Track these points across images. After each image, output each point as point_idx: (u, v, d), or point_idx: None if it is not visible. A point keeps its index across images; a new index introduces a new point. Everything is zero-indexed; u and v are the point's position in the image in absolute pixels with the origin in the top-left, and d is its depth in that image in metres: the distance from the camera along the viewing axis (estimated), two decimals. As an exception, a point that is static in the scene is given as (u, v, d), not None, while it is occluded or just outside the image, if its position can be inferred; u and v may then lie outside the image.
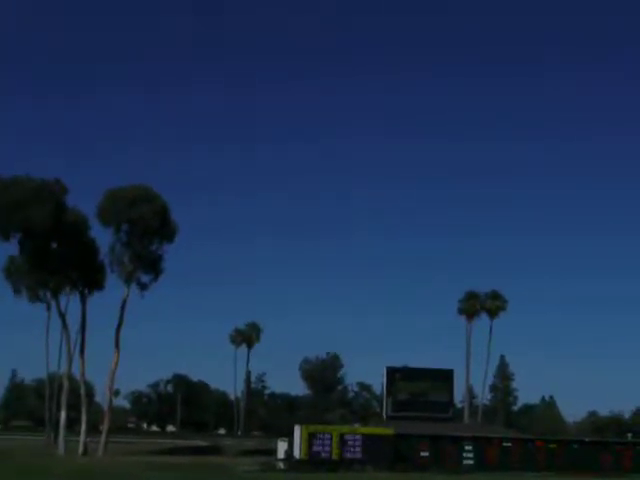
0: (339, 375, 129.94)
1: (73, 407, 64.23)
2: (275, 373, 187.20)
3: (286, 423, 74.40)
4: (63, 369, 66.73)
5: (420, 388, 58.37)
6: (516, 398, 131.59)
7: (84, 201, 61.09)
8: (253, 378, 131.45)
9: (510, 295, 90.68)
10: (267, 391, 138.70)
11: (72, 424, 63.40)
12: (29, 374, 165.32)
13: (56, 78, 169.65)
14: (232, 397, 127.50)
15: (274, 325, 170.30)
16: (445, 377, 59.69)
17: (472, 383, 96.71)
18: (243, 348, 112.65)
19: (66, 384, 61.38)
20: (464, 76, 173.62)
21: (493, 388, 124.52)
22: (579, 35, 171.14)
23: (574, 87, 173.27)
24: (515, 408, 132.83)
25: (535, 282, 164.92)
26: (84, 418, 60.52)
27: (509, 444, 50.44)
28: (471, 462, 48.85)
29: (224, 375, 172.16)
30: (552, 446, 50.98)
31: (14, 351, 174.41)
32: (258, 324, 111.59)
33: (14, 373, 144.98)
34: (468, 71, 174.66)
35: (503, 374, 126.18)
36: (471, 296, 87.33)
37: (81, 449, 58.08)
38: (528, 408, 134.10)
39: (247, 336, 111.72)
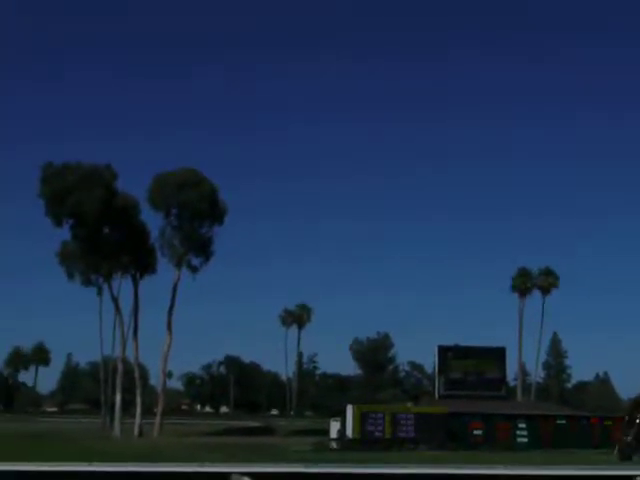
0: (390, 355, 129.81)
1: (127, 390, 65.02)
2: (326, 353, 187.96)
3: (338, 403, 74.63)
4: (117, 352, 67.64)
5: (472, 366, 58.10)
6: (569, 375, 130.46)
7: (134, 186, 61.74)
8: (304, 359, 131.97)
9: (562, 272, 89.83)
10: (318, 371, 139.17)
11: (127, 406, 64.18)
12: (83, 358, 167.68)
13: (102, 63, 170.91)
14: (284, 378, 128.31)
15: (325, 305, 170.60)
16: (497, 355, 59.34)
17: (525, 361, 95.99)
18: (294, 329, 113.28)
19: (120, 367, 62.14)
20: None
21: (546, 366, 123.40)
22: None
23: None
24: (569, 385, 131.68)
25: (587, 258, 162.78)
26: (139, 400, 61.28)
27: (563, 421, 50.14)
28: (525, 440, 48.62)
29: (276, 356, 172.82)
30: (607, 423, 50.50)
31: (69, 335, 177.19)
32: (308, 305, 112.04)
33: (69, 357, 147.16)
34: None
35: (556, 351, 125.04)
36: (523, 273, 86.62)
37: (137, 431, 58.86)
38: (582, 385, 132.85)
39: (297, 317, 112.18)
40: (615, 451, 9.82)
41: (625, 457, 9.68)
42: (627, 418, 9.41)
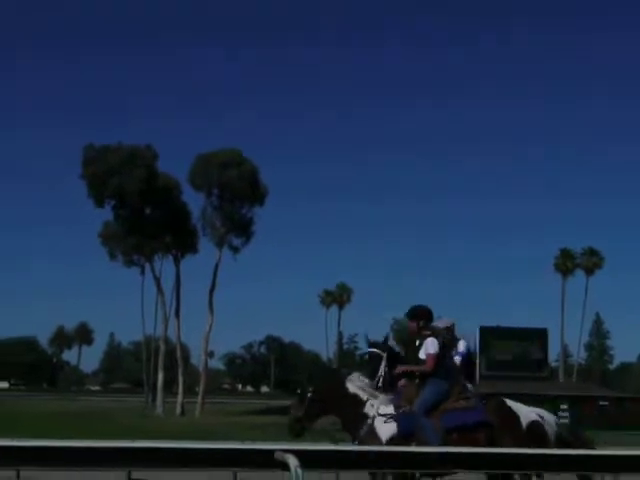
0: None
1: (169, 369, 65.60)
2: (367, 333, 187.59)
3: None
4: (159, 332, 68.23)
5: (514, 347, 57.75)
6: (612, 356, 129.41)
7: (175, 166, 62.01)
8: (345, 339, 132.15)
9: (606, 252, 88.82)
10: (359, 352, 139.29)
11: (168, 385, 64.82)
12: (126, 337, 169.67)
13: (146, 39, 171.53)
14: (325, 358, 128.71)
15: (365, 286, 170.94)
16: (539, 336, 58.87)
17: (567, 342, 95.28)
18: (335, 309, 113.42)
19: (162, 347, 62.68)
20: None
21: (588, 347, 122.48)
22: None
23: None
24: (611, 367, 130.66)
25: (632, 238, 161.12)
26: (181, 380, 61.78)
27: (606, 403, 49.75)
28: (566, 421, 48.29)
29: (316, 336, 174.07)
30: (650, 404, 50.12)
31: (111, 315, 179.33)
32: (348, 285, 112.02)
33: (112, 337, 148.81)
34: None
35: (598, 332, 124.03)
36: (566, 254, 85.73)
37: (179, 410, 59.38)
38: (625, 367, 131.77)
39: (337, 297, 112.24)
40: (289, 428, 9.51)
41: (296, 434, 9.48)
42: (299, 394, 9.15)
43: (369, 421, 10.08)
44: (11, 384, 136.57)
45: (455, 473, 7.54)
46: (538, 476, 9.10)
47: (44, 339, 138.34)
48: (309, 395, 10.50)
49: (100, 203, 58.47)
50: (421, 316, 11.01)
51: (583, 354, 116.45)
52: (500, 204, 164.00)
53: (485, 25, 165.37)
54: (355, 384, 10.50)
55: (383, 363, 10.93)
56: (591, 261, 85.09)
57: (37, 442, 5.41)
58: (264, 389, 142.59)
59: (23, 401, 73.58)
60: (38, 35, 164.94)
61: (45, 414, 48.50)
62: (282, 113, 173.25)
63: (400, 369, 10.70)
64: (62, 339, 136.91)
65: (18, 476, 15.53)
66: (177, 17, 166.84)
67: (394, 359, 11.00)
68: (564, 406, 48.85)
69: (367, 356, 11.17)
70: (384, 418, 10.04)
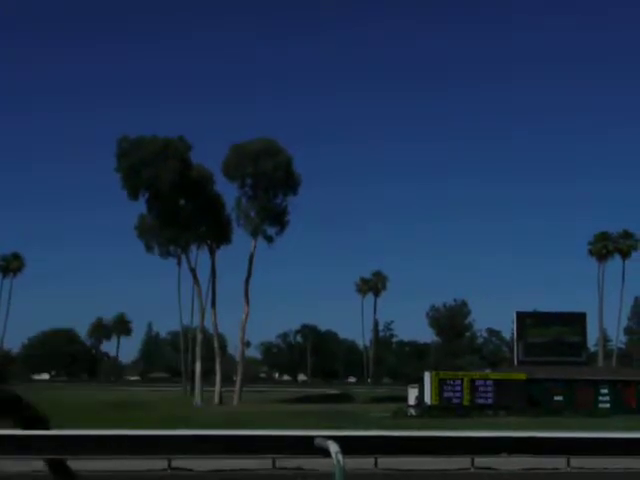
0: (467, 321, 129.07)
1: (206, 358, 66.01)
2: (403, 321, 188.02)
3: (415, 370, 74.62)
4: (196, 322, 68.58)
5: (552, 332, 57.37)
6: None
7: (209, 157, 62.17)
8: (381, 326, 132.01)
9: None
10: (395, 339, 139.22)
11: (206, 375, 65.22)
12: (164, 327, 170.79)
13: (177, 31, 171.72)
14: (361, 346, 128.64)
15: (400, 273, 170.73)
16: (577, 321, 58.42)
17: (606, 326, 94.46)
18: (370, 297, 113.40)
19: (200, 336, 63.05)
20: None
21: (628, 331, 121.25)
22: None
23: None
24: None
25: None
26: (218, 369, 62.14)
27: (646, 387, 49.26)
28: (607, 405, 47.98)
29: (352, 324, 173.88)
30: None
31: (149, 306, 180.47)
32: (383, 273, 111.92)
33: (149, 327, 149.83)
34: None
35: (638, 316, 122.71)
36: (601, 237, 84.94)
37: (217, 399, 59.76)
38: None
39: (373, 285, 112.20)
40: None
41: None
42: None
43: None
44: (52, 375, 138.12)
45: None
46: None
47: (83, 331, 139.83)
48: None
49: (134, 195, 58.81)
50: None
51: (622, 338, 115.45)
52: (531, 187, 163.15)
53: None
54: None
55: None
56: (626, 244, 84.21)
57: (78, 431, 5.42)
58: (301, 377, 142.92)
59: (64, 392, 74.34)
60: (73, 25, 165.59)
61: (86, 404, 48.99)
62: (314, 97, 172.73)
63: None
64: (101, 330, 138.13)
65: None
66: (207, 6, 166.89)
67: None
68: (604, 390, 48.47)
69: None
70: None
